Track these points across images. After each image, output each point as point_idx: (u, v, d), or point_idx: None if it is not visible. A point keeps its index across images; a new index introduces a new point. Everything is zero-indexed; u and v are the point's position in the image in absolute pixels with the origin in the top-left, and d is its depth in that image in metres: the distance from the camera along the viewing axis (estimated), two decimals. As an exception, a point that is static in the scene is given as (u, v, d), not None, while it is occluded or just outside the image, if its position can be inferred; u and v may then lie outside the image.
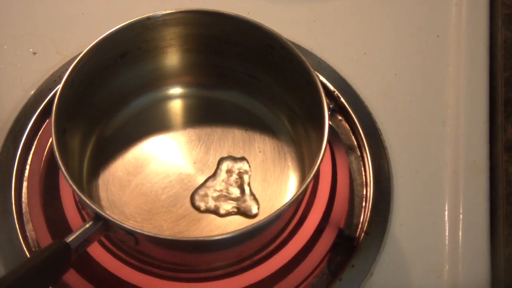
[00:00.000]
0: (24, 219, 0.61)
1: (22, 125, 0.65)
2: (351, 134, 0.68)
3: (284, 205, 0.50)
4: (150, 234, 0.48)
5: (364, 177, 0.65)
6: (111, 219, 0.48)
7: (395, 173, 0.65)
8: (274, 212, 0.49)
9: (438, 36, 0.74)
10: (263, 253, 0.58)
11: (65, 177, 0.49)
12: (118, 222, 0.48)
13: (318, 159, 0.51)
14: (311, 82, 0.56)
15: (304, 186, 0.50)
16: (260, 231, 0.55)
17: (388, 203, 0.63)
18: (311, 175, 0.50)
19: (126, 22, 0.57)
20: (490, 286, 0.60)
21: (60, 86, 0.53)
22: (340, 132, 0.67)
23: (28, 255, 0.58)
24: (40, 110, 0.66)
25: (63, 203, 0.60)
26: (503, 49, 0.70)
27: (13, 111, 0.66)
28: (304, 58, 0.56)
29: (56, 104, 0.53)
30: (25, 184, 0.63)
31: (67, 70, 0.55)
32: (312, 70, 0.56)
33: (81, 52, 0.56)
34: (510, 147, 0.64)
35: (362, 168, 0.66)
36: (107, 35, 0.57)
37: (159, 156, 0.63)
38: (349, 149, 0.67)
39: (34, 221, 0.60)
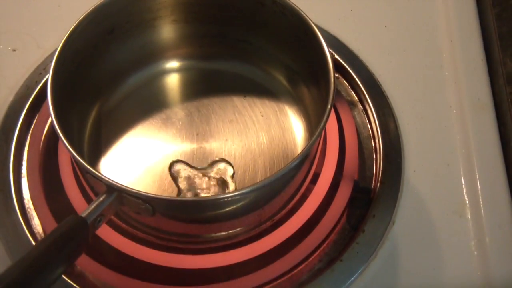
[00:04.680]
0: (29, 215, 0.58)
1: (12, 121, 0.62)
2: (351, 90, 0.67)
3: (298, 155, 0.48)
4: (169, 198, 0.47)
5: (370, 129, 0.64)
6: (125, 188, 0.46)
7: (401, 122, 0.64)
8: (289, 162, 0.48)
9: (421, -17, 0.73)
10: (282, 213, 0.57)
11: (71, 153, 0.47)
12: (134, 190, 0.46)
13: (328, 104, 0.49)
14: (309, 32, 0.54)
15: (316, 134, 0.48)
16: (278, 183, 0.52)
17: (398, 151, 0.62)
18: (325, 118, 0.49)
19: (112, -6, 0.55)
20: (514, 217, 0.59)
21: (52, 64, 0.51)
22: (340, 89, 0.66)
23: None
24: (29, 104, 0.63)
25: (68, 193, 0.57)
26: (489, -14, 0.69)
27: (1, 109, 0.64)
28: (298, 8, 0.55)
29: (51, 80, 0.50)
30: (24, 180, 0.60)
31: (56, 49, 0.52)
32: (307, 18, 0.54)
33: (68, 31, 0.54)
34: (512, 79, 0.63)
35: (367, 121, 0.65)
36: (93, 8, 0.55)
37: (160, 132, 0.61)
38: (351, 104, 0.65)
39: (40, 216, 0.58)
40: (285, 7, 0.56)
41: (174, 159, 0.59)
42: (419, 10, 0.72)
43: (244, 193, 0.47)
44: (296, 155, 0.59)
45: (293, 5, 0.55)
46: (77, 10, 0.71)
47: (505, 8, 0.67)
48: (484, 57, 0.67)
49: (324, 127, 0.48)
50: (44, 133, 0.62)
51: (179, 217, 0.52)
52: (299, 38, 0.56)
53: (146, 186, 0.58)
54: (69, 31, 0.53)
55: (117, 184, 0.46)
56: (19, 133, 0.62)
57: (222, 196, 0.47)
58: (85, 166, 0.47)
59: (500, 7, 0.67)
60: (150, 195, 0.46)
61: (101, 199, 0.47)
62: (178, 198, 0.49)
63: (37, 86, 0.65)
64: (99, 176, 0.47)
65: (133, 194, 0.46)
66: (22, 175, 0.61)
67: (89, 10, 0.54)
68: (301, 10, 0.55)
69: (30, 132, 0.63)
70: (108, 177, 0.47)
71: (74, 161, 0.55)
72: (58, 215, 0.57)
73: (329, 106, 0.49)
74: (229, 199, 0.47)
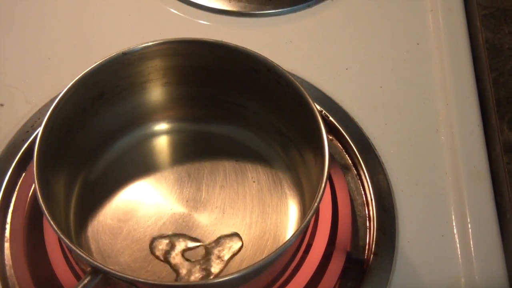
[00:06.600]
0: (10, 283, 0.56)
1: (-3, 181, 0.61)
2: (345, 153, 0.65)
3: (287, 241, 0.47)
4: (156, 282, 0.45)
5: (364, 196, 0.63)
6: (111, 271, 0.44)
7: (396, 189, 0.63)
8: (278, 248, 0.46)
9: (418, 44, 0.73)
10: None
11: (56, 231, 0.45)
12: (119, 274, 0.44)
13: (320, 190, 0.48)
14: (303, 103, 0.54)
15: (307, 219, 0.47)
16: (266, 268, 0.51)
17: (392, 221, 0.61)
18: (315, 205, 0.47)
19: (102, 60, 0.54)
20: (510, 293, 0.58)
21: (39, 134, 0.50)
22: (333, 152, 0.65)
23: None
24: (15, 164, 0.62)
25: (51, 260, 0.56)
26: (486, 49, 0.68)
27: (-15, 168, 0.62)
28: (293, 78, 0.54)
29: (37, 153, 0.49)
30: (6, 245, 0.58)
31: (44, 117, 0.51)
32: (302, 89, 0.53)
33: (56, 97, 0.52)
34: (509, 148, 0.62)
35: (361, 187, 0.63)
36: (83, 75, 0.53)
37: (149, 197, 0.59)
38: (345, 168, 0.64)
39: (21, 284, 0.56)
40: (280, 76, 0.55)
41: (162, 226, 0.58)
42: (416, 71, 0.71)
43: (232, 279, 0.45)
44: (287, 226, 0.58)
45: (288, 75, 0.54)
46: (68, 63, 0.71)
47: (501, 73, 0.66)
48: (480, 123, 0.66)
49: (315, 213, 0.47)
50: (30, 195, 0.60)
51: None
52: (294, 107, 0.55)
53: (132, 255, 0.56)
54: (58, 99, 0.52)
55: (102, 266, 0.45)
56: (4, 194, 0.61)
57: (208, 282, 0.45)
58: (71, 246, 0.45)
59: (497, 72, 0.67)
60: (135, 278, 0.44)
61: (85, 281, 0.45)
62: (163, 283, 0.48)
63: (24, 144, 0.63)
64: (84, 258, 0.45)
65: (119, 277, 0.45)
66: (5, 239, 0.59)
67: (78, 77, 0.53)
68: (296, 81, 0.54)
69: (16, 192, 0.61)
70: (93, 258, 0.45)
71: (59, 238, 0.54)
72: (40, 285, 0.55)
73: (322, 188, 0.47)
74: (216, 284, 0.46)
